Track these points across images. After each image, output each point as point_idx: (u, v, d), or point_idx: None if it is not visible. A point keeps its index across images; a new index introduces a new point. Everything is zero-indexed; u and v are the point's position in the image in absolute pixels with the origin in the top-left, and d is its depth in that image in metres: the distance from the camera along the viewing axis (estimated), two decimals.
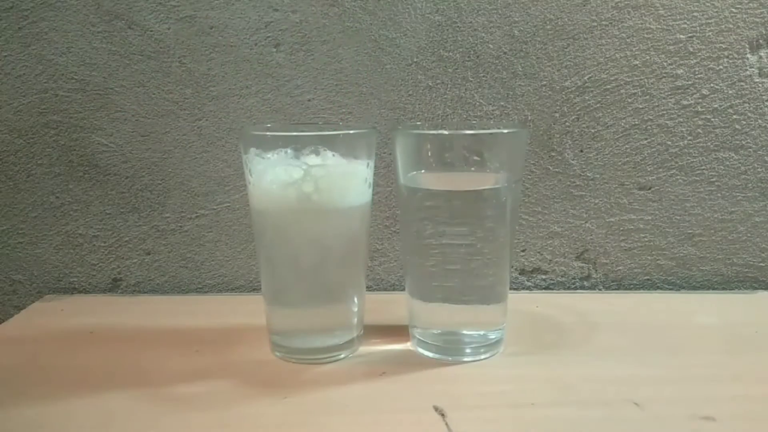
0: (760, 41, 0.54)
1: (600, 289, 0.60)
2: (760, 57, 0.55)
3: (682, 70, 0.55)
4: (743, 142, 0.56)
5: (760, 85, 0.55)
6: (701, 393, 0.37)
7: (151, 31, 0.54)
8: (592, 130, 0.56)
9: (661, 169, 0.57)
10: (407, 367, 0.41)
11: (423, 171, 0.41)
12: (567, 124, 0.56)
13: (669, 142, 0.56)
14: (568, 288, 0.60)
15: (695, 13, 0.54)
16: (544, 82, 0.55)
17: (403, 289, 0.45)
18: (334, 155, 0.39)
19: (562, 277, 0.60)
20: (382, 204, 0.57)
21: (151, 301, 0.56)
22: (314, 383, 0.39)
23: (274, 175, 0.39)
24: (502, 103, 0.56)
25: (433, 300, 0.43)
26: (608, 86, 0.55)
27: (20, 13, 0.54)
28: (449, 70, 0.55)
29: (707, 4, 0.54)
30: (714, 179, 0.57)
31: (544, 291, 0.60)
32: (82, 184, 0.57)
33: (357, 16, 0.54)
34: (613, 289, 0.60)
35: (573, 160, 0.57)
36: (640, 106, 0.56)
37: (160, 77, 0.55)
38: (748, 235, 0.58)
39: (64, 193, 0.57)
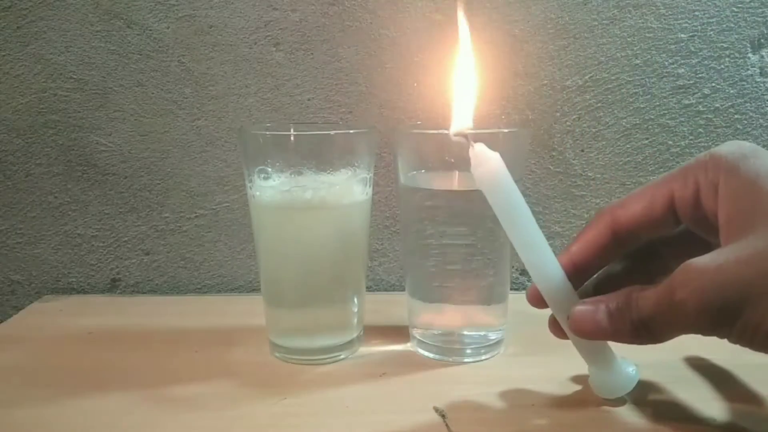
0: (762, 40, 0.54)
1: None
2: (762, 56, 0.55)
3: (683, 70, 0.55)
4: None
5: (761, 84, 0.55)
6: (700, 393, 0.37)
7: (150, 30, 0.54)
8: (593, 130, 0.56)
9: (662, 169, 0.57)
10: (407, 367, 0.41)
11: (423, 171, 0.41)
12: (568, 123, 0.56)
13: (670, 142, 0.56)
14: None
15: (696, 12, 0.54)
16: (545, 82, 0.55)
17: (403, 289, 0.45)
18: (333, 169, 0.40)
19: None
20: (382, 204, 0.57)
21: (150, 302, 0.56)
22: (314, 383, 0.39)
23: (275, 177, 0.39)
24: (502, 103, 0.56)
25: (434, 300, 0.43)
26: (609, 85, 0.55)
27: (19, 12, 0.54)
28: (450, 69, 0.55)
29: (708, 3, 0.54)
30: None
31: None
32: (81, 184, 0.57)
33: (357, 15, 0.54)
34: None
35: (574, 159, 0.57)
36: (642, 106, 0.55)
37: (159, 76, 0.55)
38: None
39: (63, 193, 0.57)
